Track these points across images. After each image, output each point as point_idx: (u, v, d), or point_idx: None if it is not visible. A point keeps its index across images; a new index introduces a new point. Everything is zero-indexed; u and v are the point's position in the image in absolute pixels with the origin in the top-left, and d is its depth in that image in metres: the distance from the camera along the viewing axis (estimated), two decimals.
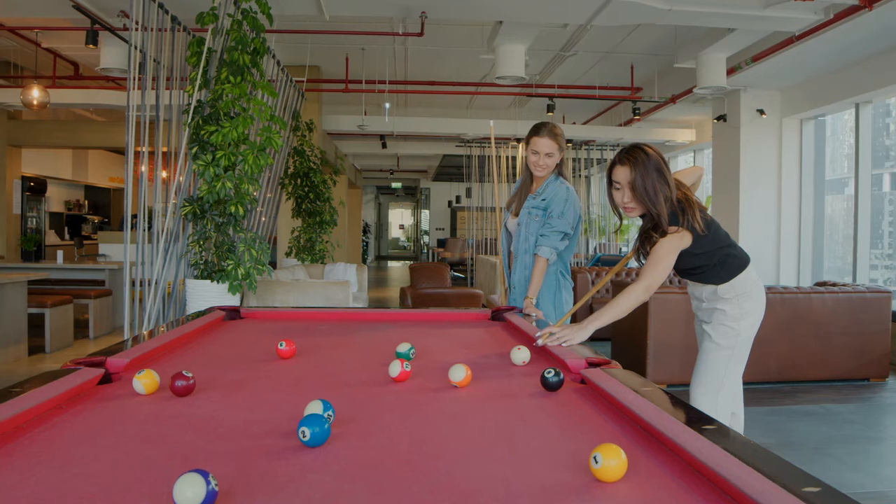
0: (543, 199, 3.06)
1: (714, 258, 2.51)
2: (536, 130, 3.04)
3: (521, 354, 1.98)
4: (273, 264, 7.64)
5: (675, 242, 2.39)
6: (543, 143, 3.02)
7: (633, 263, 2.82)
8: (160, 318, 4.70)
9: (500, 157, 12.39)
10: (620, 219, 2.56)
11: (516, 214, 3.20)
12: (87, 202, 14.68)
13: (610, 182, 2.45)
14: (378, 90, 8.77)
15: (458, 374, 1.70)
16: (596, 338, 7.77)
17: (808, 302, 5.43)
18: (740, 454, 1.05)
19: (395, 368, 1.74)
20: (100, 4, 5.83)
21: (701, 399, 2.60)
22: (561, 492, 1.02)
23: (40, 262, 8.42)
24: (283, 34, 6.88)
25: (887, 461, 3.77)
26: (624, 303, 2.38)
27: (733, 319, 2.56)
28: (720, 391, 2.59)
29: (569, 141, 11.78)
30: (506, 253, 3.32)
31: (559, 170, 3.11)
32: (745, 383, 5.40)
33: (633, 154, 2.36)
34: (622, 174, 2.37)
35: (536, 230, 3.06)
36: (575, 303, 3.14)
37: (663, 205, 2.33)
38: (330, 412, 1.31)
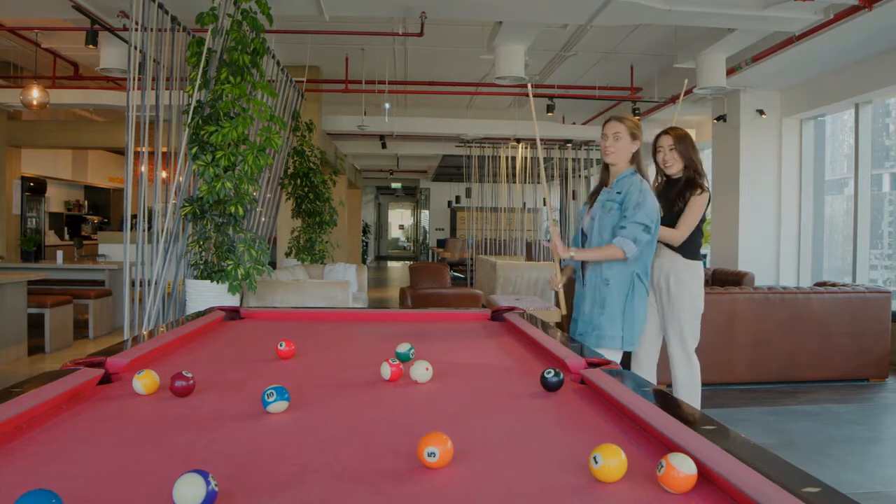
0: (619, 192, 2.87)
1: (697, 231, 3.34)
2: (605, 121, 3.01)
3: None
4: (273, 264, 7.63)
5: (704, 200, 3.28)
6: (609, 125, 2.93)
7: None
8: (160, 319, 4.69)
9: (499, 157, 12.41)
10: (663, 176, 3.42)
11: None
12: (86, 202, 14.66)
13: (655, 149, 3.41)
14: (378, 90, 8.77)
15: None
16: None
17: (807, 302, 5.43)
18: (740, 454, 1.05)
19: (386, 370, 1.74)
20: (100, 5, 5.82)
21: (680, 358, 3.41)
22: (561, 492, 1.02)
23: (40, 263, 8.42)
24: (283, 34, 6.88)
25: (887, 461, 3.77)
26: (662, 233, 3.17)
27: (693, 298, 3.35)
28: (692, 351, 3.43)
29: (568, 141, 11.79)
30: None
31: (636, 165, 2.93)
32: (745, 383, 5.48)
33: (675, 128, 3.39)
34: (665, 140, 3.34)
35: (611, 224, 2.87)
36: (646, 315, 3.02)
37: (697, 161, 3.31)
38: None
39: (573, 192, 12.75)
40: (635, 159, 2.93)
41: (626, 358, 3.37)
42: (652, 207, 2.82)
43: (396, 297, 11.41)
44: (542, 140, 11.76)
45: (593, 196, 3.07)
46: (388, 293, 12.94)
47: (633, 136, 2.91)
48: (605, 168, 3.03)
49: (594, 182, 14.11)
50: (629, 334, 2.88)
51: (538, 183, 13.38)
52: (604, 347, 2.87)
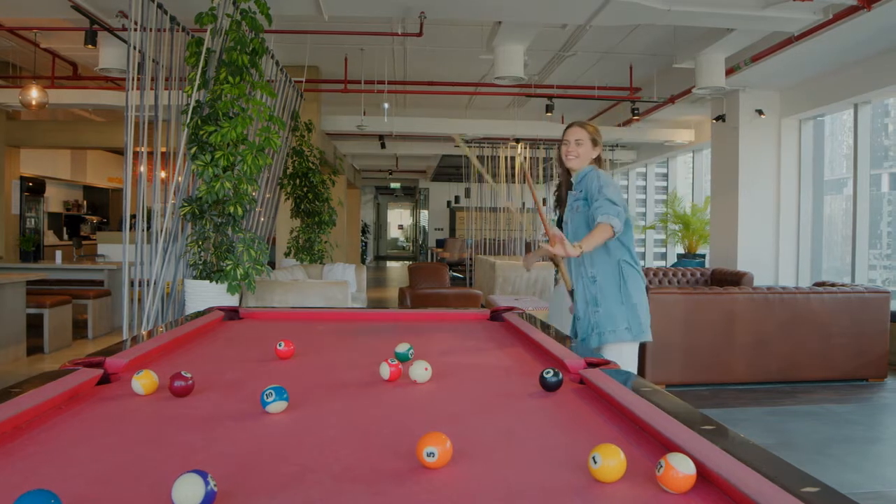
0: (580, 190, 2.88)
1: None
2: (567, 127, 3.01)
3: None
4: (272, 264, 7.63)
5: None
6: (571, 131, 2.94)
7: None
8: (159, 319, 4.69)
9: (498, 157, 12.40)
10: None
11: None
12: (85, 202, 14.65)
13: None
14: (377, 90, 8.76)
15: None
16: None
17: (807, 302, 5.44)
18: (740, 454, 1.05)
19: (385, 370, 1.74)
20: (99, 5, 5.82)
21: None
22: (560, 492, 1.02)
23: (39, 263, 8.41)
24: (282, 34, 6.88)
25: (887, 461, 3.77)
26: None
27: None
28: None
29: None
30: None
31: (596, 165, 2.93)
32: (745, 383, 5.48)
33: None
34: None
35: (584, 220, 2.83)
36: (646, 300, 2.90)
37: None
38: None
39: None
40: (596, 163, 2.95)
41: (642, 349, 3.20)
42: (615, 191, 2.73)
43: (395, 297, 11.41)
44: (541, 140, 11.77)
45: (561, 203, 3.06)
46: (388, 293, 12.93)
47: (595, 143, 2.95)
48: (567, 172, 3.04)
49: None
50: (635, 323, 2.79)
51: (537, 183, 13.38)
52: (608, 343, 2.76)
